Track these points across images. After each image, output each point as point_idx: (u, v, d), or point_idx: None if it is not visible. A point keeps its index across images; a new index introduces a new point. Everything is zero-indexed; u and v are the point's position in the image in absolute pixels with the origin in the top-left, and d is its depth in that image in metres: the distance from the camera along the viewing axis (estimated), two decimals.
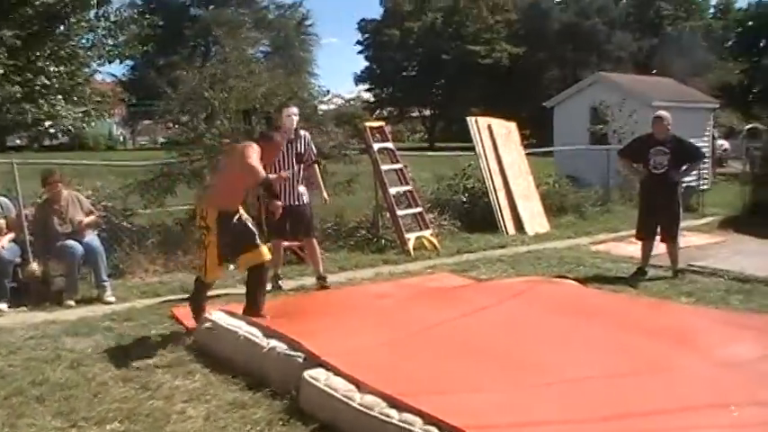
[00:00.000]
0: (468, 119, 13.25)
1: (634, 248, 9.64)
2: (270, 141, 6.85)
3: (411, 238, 10.70)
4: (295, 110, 8.31)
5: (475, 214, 12.85)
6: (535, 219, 12.94)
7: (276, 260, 8.14)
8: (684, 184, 17.42)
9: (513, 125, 13.95)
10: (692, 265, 9.65)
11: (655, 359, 5.01)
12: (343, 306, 6.02)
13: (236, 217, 6.47)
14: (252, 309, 6.34)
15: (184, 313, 6.86)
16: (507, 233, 12.23)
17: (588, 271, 9.50)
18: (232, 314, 6.07)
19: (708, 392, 4.41)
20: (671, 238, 9.08)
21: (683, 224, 11.66)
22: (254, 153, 6.28)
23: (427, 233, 11.02)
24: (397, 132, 54.65)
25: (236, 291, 8.19)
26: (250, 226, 6.55)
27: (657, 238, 9.16)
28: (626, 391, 4.45)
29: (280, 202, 7.05)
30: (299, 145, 8.19)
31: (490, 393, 4.35)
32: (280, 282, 8.42)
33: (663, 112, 9.16)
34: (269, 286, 7.37)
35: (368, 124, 11.24)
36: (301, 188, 8.24)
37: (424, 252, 10.66)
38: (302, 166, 8.22)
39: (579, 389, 4.44)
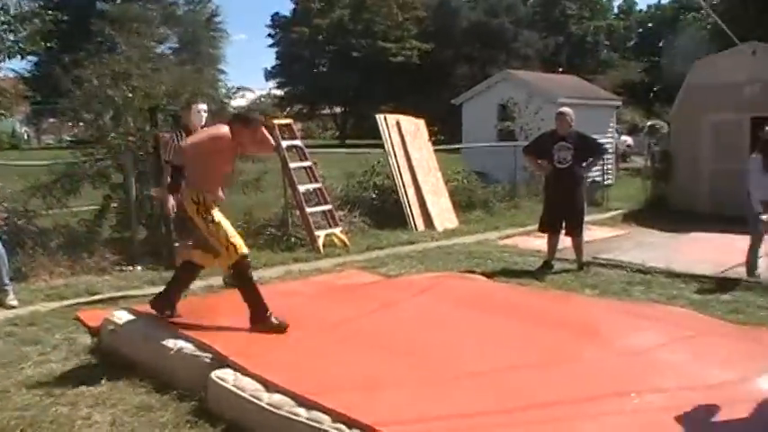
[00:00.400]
0: (377, 116, 13.32)
1: (541, 242, 9.86)
2: (248, 124, 5.96)
3: (321, 235, 10.71)
4: (203, 106, 8.20)
5: (384, 211, 12.94)
6: (444, 215, 13.11)
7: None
8: (589, 179, 18.03)
9: (421, 122, 14.10)
10: (596, 258, 9.94)
11: (559, 350, 5.14)
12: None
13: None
14: (255, 311, 5.73)
15: (90, 316, 6.69)
16: (417, 229, 12.36)
17: (496, 265, 9.68)
18: (137, 314, 5.96)
19: (610, 381, 4.54)
20: (575, 232, 9.33)
21: (587, 218, 12.00)
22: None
23: (337, 230, 11.04)
24: (308, 129, 54.60)
25: (140, 292, 8.09)
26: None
27: (563, 231, 9.41)
28: (532, 382, 4.55)
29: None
30: None
31: (398, 389, 4.39)
32: None
33: (565, 109, 9.41)
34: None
35: (276, 122, 11.16)
36: None
37: (334, 249, 10.68)
38: None
39: (486, 381, 4.52)
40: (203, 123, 8.00)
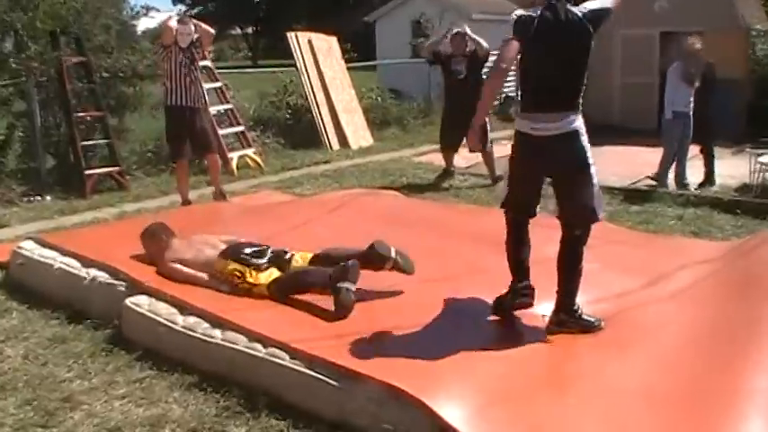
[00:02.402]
0: (288, 34, 13.04)
1: (455, 158, 9.91)
2: None
3: (234, 157, 10.58)
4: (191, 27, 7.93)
5: (299, 131, 12.82)
6: (359, 133, 13.06)
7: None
8: (503, 94, 18.12)
9: (333, 39, 13.87)
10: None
11: (473, 263, 5.22)
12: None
13: None
14: None
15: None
16: (332, 148, 12.30)
17: (411, 181, 9.75)
18: (46, 244, 5.79)
19: None
20: (480, 147, 9.39)
21: (500, 134, 12.11)
22: None
23: (250, 152, 10.92)
24: (219, 51, 53.14)
25: (52, 223, 7.90)
26: None
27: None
28: (442, 294, 4.61)
29: None
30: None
31: (311, 305, 4.40)
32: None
33: (458, 29, 9.40)
34: None
35: None
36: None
37: (248, 171, 10.58)
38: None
39: (406, 296, 4.57)
40: (187, 44, 7.80)
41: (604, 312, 4.29)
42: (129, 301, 4.67)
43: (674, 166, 8.76)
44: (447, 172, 9.73)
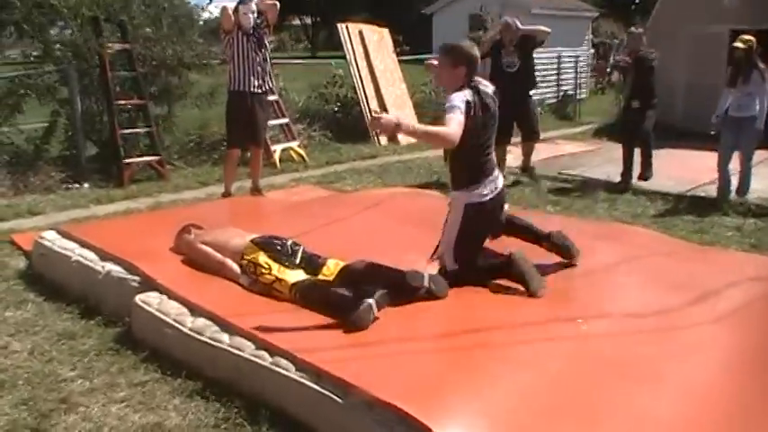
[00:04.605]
0: (338, 25, 12.78)
1: (508, 157, 9.52)
2: None
3: (277, 150, 10.36)
4: (252, 6, 7.65)
5: (347, 124, 12.58)
6: None
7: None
8: (561, 93, 17.69)
9: (385, 31, 13.57)
10: (562, 173, 9.69)
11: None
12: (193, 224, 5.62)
13: None
14: None
15: (24, 238, 6.35)
16: (379, 143, 12.02)
17: None
18: (67, 235, 5.62)
19: (554, 305, 4.30)
20: (530, 137, 9.25)
21: (557, 132, 11.70)
22: None
23: (294, 144, 10.70)
24: (279, 42, 53.21)
25: (86, 212, 7.78)
26: None
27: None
28: (471, 304, 4.31)
29: None
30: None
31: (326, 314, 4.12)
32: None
33: (508, 19, 9.10)
34: None
35: None
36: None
37: (291, 164, 10.36)
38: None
39: (423, 304, 4.26)
40: (251, 24, 7.57)
41: (640, 331, 3.92)
42: (138, 299, 4.45)
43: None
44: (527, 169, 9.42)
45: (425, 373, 3.40)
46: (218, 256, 4.82)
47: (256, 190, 8.05)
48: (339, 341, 3.73)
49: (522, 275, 4.41)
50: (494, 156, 4.68)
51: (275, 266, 4.52)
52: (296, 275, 4.48)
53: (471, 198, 4.53)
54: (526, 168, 9.29)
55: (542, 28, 9.00)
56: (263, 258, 4.59)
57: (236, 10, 7.51)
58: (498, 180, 4.66)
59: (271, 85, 8.25)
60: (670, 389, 3.38)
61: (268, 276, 4.49)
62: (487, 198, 4.55)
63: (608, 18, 34.15)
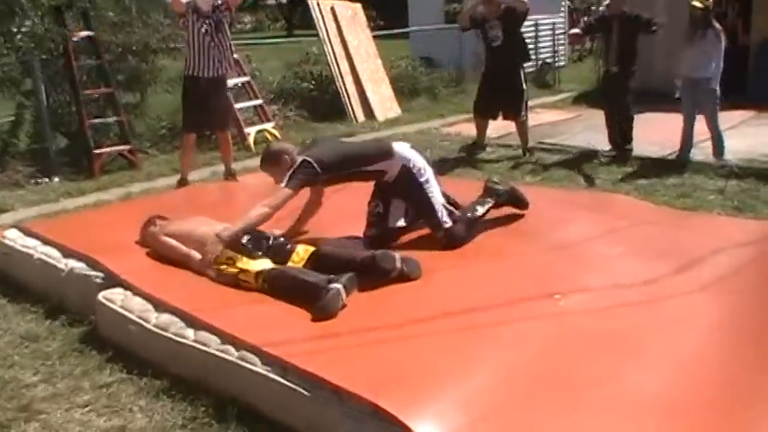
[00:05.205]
0: (309, 1, 12.50)
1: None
2: None
3: (251, 132, 10.15)
4: None
5: (323, 102, 12.34)
6: (385, 103, 12.55)
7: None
8: (539, 61, 17.45)
9: (358, 6, 13.31)
10: (541, 143, 9.52)
11: (480, 246, 4.76)
12: (160, 213, 5.41)
13: None
14: None
15: None
16: (356, 120, 11.81)
17: (435, 154, 9.18)
18: (29, 233, 5.42)
19: (533, 280, 4.15)
20: (515, 115, 8.89)
21: (537, 101, 11.48)
22: None
23: (269, 126, 10.49)
24: (256, 22, 52.59)
25: (57, 206, 7.58)
26: None
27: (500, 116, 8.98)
28: (443, 285, 4.18)
29: None
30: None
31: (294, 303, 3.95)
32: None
33: None
34: None
35: None
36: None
37: (266, 146, 10.12)
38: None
39: (390, 284, 4.10)
40: (209, 8, 7.25)
41: (623, 304, 3.77)
42: (102, 296, 4.27)
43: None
44: (477, 145, 9.23)
45: (396, 362, 3.23)
46: (183, 248, 4.64)
47: (230, 174, 7.83)
48: (307, 332, 3.56)
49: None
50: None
51: (238, 257, 4.34)
52: (260, 264, 4.30)
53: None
54: (524, 151, 9.00)
55: None
56: (225, 252, 4.41)
57: None
58: None
59: (230, 68, 7.92)
60: (653, 361, 3.25)
61: (231, 269, 4.32)
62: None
63: None
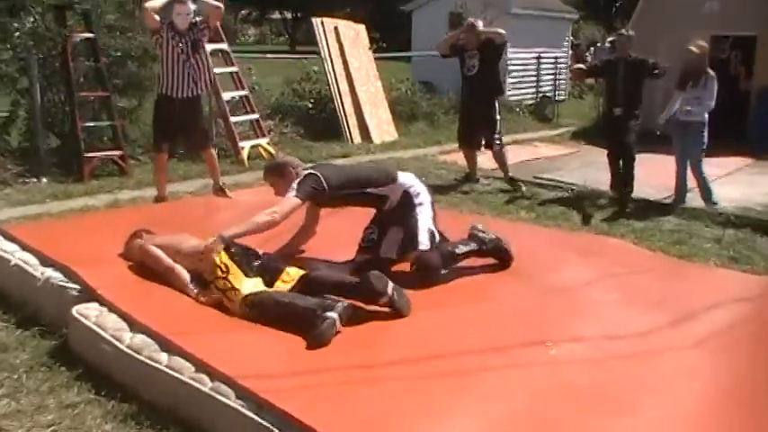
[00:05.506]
0: (313, 19, 12.43)
1: (482, 158, 9.28)
2: None
3: (246, 146, 10.01)
4: (190, 7, 7.15)
5: (321, 121, 12.23)
6: (382, 126, 12.46)
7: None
8: (540, 94, 17.42)
9: (361, 27, 13.25)
10: (537, 178, 9.42)
11: (469, 287, 4.60)
12: (146, 225, 5.23)
13: None
14: None
15: None
16: (352, 141, 11.71)
17: (430, 181, 8.97)
18: (8, 236, 5.26)
19: (524, 326, 4.00)
20: (491, 145, 8.95)
21: (534, 134, 11.37)
22: None
23: (263, 141, 10.36)
24: (260, 36, 52.61)
25: (41, 208, 7.43)
26: None
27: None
28: (432, 325, 4.00)
29: None
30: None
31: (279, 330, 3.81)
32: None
33: (471, 20, 8.96)
34: None
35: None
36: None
37: (260, 162, 9.98)
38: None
39: (378, 324, 3.96)
40: (186, 26, 7.06)
41: (615, 357, 3.64)
42: (75, 310, 4.10)
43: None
44: (469, 176, 9.14)
45: (373, 406, 3.08)
46: (168, 260, 4.50)
47: (220, 190, 7.66)
48: (285, 366, 3.43)
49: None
50: None
51: (233, 269, 4.20)
52: (252, 285, 4.16)
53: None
54: (506, 180, 8.92)
55: (499, 30, 8.81)
56: (223, 257, 4.26)
57: (169, 7, 7.03)
58: None
59: (207, 87, 7.70)
60: (646, 423, 3.10)
61: (223, 281, 4.17)
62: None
63: (588, 21, 33.99)
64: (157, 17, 7.00)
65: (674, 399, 3.30)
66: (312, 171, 4.64)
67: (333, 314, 3.73)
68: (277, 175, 4.80)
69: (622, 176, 8.22)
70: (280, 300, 4.03)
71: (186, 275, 4.41)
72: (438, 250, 4.65)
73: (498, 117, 8.84)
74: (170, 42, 7.00)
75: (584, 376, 3.45)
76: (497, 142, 8.85)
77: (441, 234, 4.81)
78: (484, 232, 4.92)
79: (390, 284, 4.03)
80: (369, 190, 4.72)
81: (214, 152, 7.84)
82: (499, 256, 4.89)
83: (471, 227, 4.98)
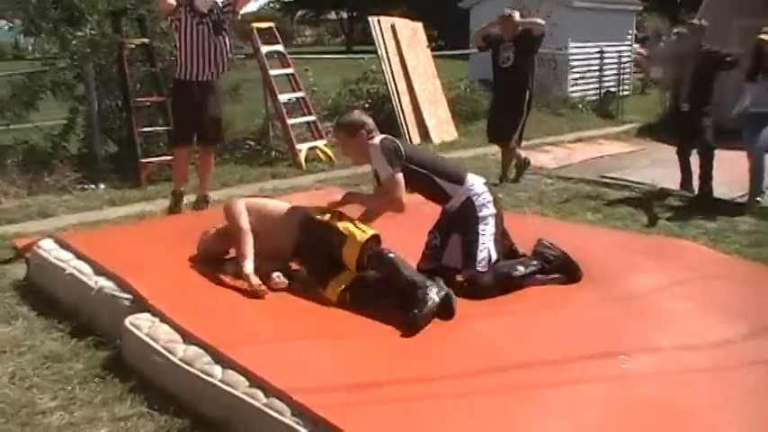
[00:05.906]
0: (369, 18, 12.27)
1: (545, 157, 9.07)
2: None
3: (303, 148, 9.92)
4: None
5: (377, 121, 11.89)
6: (442, 126, 12.25)
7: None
8: (603, 90, 16.99)
9: (419, 25, 13.06)
10: (603, 177, 9.14)
11: (536, 295, 4.38)
12: (197, 233, 5.16)
13: None
14: None
15: (28, 244, 5.90)
16: (411, 141, 11.50)
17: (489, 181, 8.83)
18: (64, 245, 5.22)
19: (594, 337, 3.79)
20: (502, 140, 8.80)
21: (597, 132, 11.04)
22: None
23: (321, 143, 10.25)
24: (316, 36, 52.78)
25: (99, 215, 7.41)
26: None
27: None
28: (497, 335, 3.84)
29: None
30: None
31: (335, 347, 3.66)
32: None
33: (508, 11, 8.63)
34: None
35: (255, 25, 10.22)
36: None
37: (317, 164, 9.91)
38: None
39: (443, 334, 3.78)
40: (208, 7, 6.66)
41: (694, 369, 3.40)
42: (128, 321, 4.01)
43: None
44: (502, 175, 8.90)
45: (432, 424, 2.91)
46: (245, 224, 4.51)
47: (204, 200, 7.26)
48: (342, 379, 3.26)
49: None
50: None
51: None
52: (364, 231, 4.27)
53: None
54: (499, 179, 8.68)
55: (537, 20, 8.58)
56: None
57: None
58: None
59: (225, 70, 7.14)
60: None
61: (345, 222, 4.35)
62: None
63: (652, 12, 33.18)
64: (172, 0, 6.66)
65: (756, 419, 3.05)
66: (390, 137, 4.58)
67: (435, 298, 3.77)
68: (347, 132, 4.70)
69: (702, 174, 7.88)
70: (396, 258, 4.07)
71: (250, 249, 4.41)
72: (494, 270, 4.39)
73: (525, 114, 8.62)
74: (190, 22, 6.60)
75: (658, 391, 3.22)
76: (515, 137, 8.67)
77: (506, 236, 4.60)
78: (550, 248, 4.58)
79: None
80: (437, 179, 4.54)
81: (212, 158, 7.55)
82: (566, 276, 4.54)
83: (538, 242, 4.64)
